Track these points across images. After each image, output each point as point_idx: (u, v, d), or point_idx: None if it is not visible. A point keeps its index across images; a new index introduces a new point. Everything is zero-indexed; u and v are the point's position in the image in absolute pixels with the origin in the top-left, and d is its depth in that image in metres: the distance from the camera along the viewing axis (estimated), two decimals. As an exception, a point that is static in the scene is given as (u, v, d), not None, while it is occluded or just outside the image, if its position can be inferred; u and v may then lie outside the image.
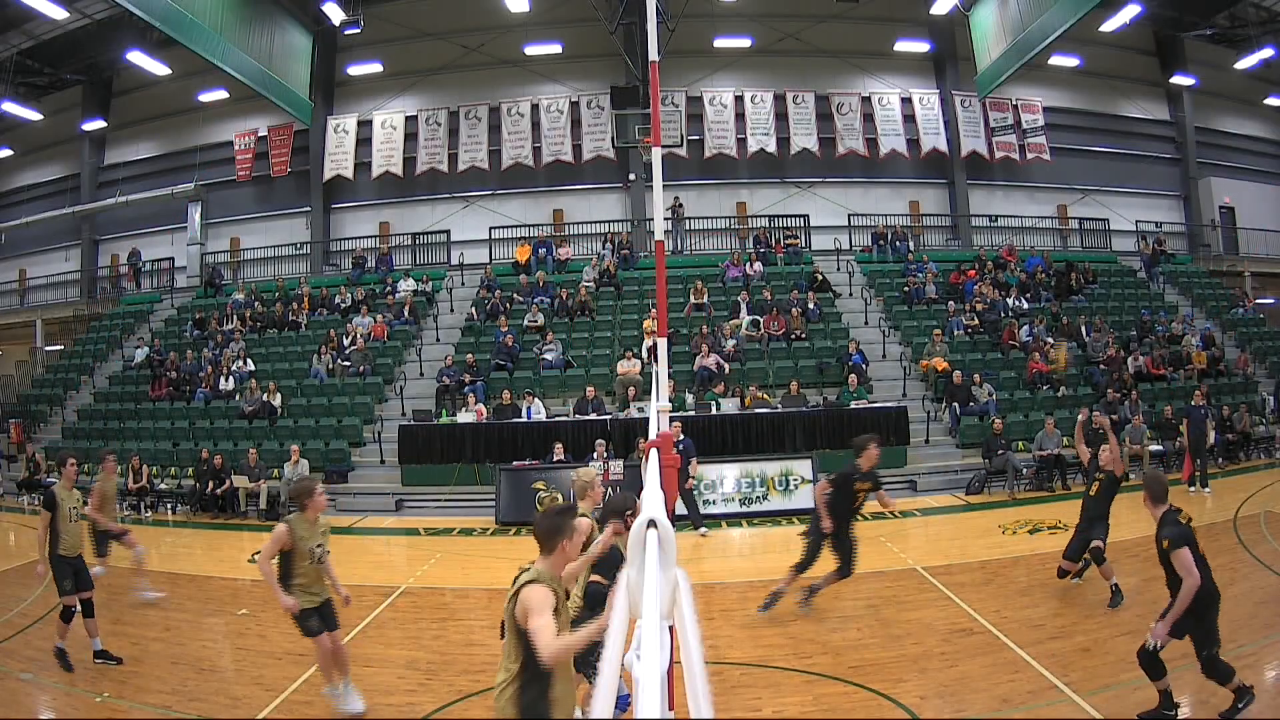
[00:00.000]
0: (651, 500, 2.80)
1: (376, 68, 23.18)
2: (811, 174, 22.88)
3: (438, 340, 18.79)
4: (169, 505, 14.88)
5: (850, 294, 19.90)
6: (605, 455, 13.00)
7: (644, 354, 15.85)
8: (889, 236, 21.66)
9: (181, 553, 11.97)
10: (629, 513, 4.66)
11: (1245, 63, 23.10)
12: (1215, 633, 5.07)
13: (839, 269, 20.98)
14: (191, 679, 6.56)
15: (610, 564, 4.59)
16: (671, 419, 12.83)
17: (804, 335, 17.39)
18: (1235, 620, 6.55)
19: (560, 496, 13.07)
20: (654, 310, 14.73)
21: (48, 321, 24.90)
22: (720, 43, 22.70)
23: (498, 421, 14.79)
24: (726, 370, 15.75)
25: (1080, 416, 10.86)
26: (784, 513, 12.83)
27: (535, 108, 22.43)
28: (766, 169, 22.78)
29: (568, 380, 16.39)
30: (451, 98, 23.00)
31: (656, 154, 4.28)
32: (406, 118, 22.83)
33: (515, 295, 19.30)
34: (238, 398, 16.97)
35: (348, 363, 17.47)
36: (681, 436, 11.77)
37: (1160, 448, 14.77)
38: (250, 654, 7.19)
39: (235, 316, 19.99)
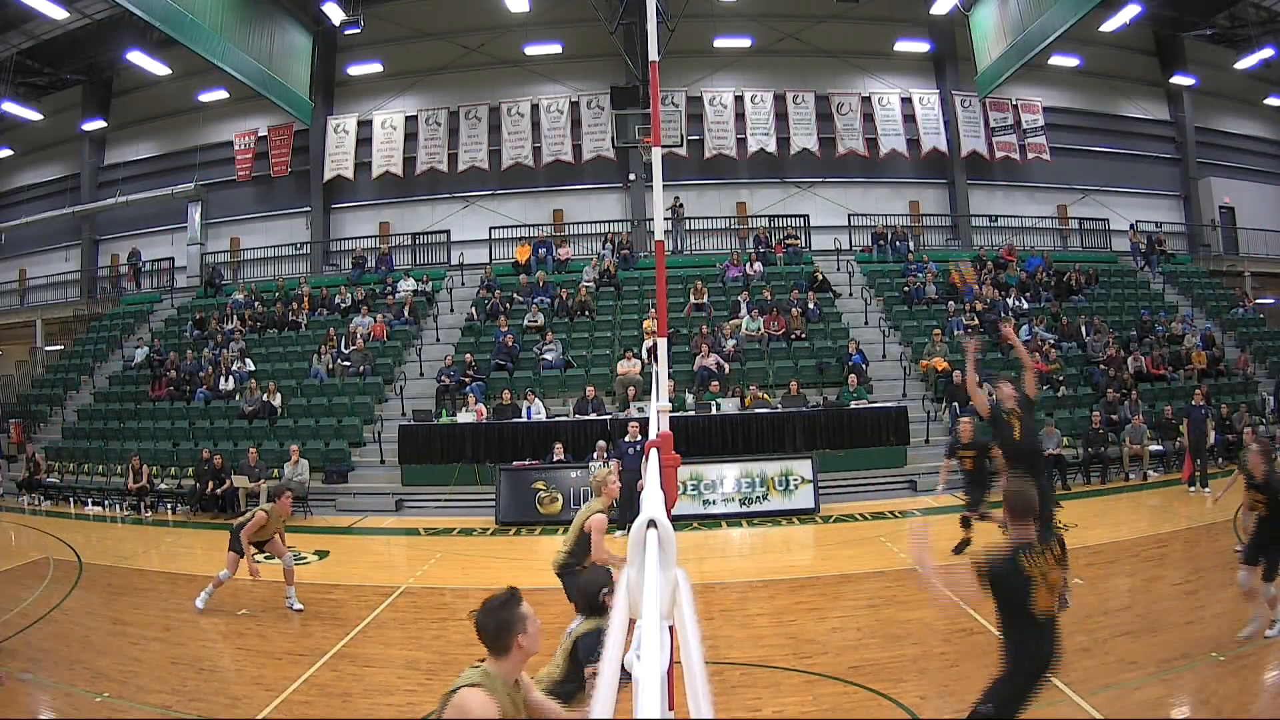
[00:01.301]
0: (651, 500, 2.80)
1: (376, 68, 23.18)
2: (811, 174, 22.87)
3: (438, 340, 18.79)
4: (169, 505, 14.87)
5: (850, 294, 19.90)
6: (605, 455, 13.01)
7: (644, 354, 15.85)
8: (889, 236, 21.66)
9: (182, 553, 11.96)
10: (605, 592, 4.23)
11: (1245, 63, 23.09)
12: (1020, 702, 4.04)
13: (839, 269, 20.97)
14: (191, 679, 6.55)
15: (593, 646, 3.92)
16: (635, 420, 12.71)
17: (804, 335, 17.39)
18: (1235, 620, 6.55)
19: (560, 496, 13.10)
20: (654, 310, 14.74)
21: (48, 321, 24.89)
22: (720, 43, 22.69)
23: (498, 421, 14.79)
24: (726, 370, 15.75)
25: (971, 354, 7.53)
26: (784, 513, 12.83)
27: (535, 108, 22.42)
28: (766, 169, 22.77)
29: (568, 380, 16.38)
30: (451, 98, 23.00)
31: (656, 154, 4.27)
32: (406, 118, 22.83)
33: (515, 295, 19.30)
34: (238, 398, 16.97)
35: (348, 363, 17.46)
36: (639, 438, 11.82)
37: (1160, 448, 14.78)
38: (250, 654, 7.19)
39: (235, 316, 19.99)
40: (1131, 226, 23.07)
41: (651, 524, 2.22)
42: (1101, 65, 23.65)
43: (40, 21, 20.32)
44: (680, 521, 11.75)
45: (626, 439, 12.62)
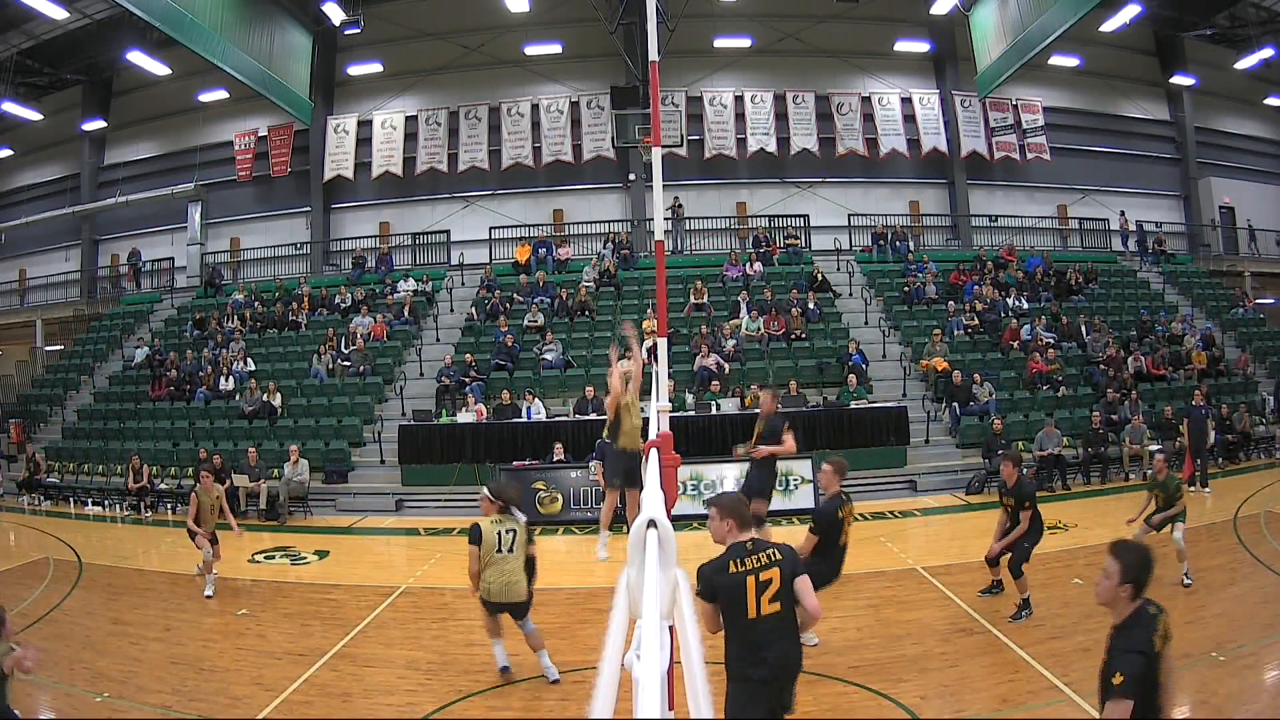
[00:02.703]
0: (651, 500, 2.80)
1: (376, 68, 23.18)
2: (811, 174, 22.86)
3: (438, 340, 18.79)
4: (169, 505, 14.86)
5: (850, 294, 19.89)
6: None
7: (644, 354, 15.82)
8: (889, 236, 21.66)
9: (182, 553, 11.94)
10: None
11: (1245, 63, 23.10)
12: None
13: (839, 269, 20.97)
14: (191, 679, 6.56)
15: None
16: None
17: (804, 335, 17.39)
18: (1235, 620, 6.56)
19: (560, 496, 13.10)
20: (654, 310, 14.72)
21: (48, 321, 24.89)
22: (720, 43, 22.70)
23: (498, 421, 14.79)
24: (726, 370, 15.75)
25: None
26: (784, 513, 12.79)
27: (535, 108, 22.42)
28: (766, 169, 22.77)
29: (568, 380, 16.38)
30: (451, 98, 23.00)
31: (656, 154, 4.28)
32: (406, 118, 22.82)
33: (515, 295, 19.29)
34: (238, 398, 16.96)
35: (348, 363, 17.46)
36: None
37: (1160, 448, 14.76)
38: (250, 654, 7.19)
39: (235, 316, 19.99)
40: (1122, 214, 23.10)
41: (651, 524, 2.22)
42: (1101, 65, 23.65)
43: (40, 21, 20.32)
44: (680, 521, 11.71)
45: (606, 437, 12.60)
